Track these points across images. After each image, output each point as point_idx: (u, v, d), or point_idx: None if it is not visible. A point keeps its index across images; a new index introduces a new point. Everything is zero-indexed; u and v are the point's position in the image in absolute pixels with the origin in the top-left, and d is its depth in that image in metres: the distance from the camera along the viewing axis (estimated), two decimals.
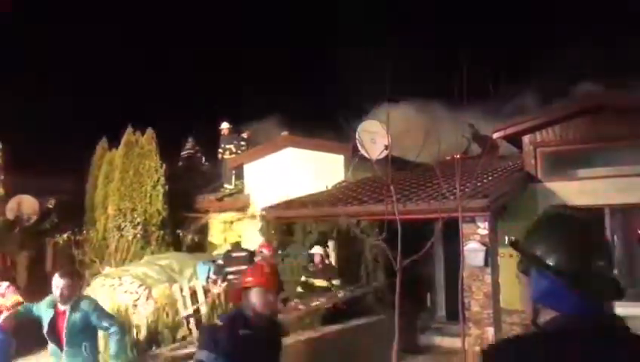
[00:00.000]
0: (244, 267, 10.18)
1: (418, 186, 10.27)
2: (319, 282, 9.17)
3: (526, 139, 10.22)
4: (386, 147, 10.69)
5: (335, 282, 9.23)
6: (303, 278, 9.56)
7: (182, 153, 16.43)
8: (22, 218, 12.69)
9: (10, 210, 12.19)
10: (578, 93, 10.44)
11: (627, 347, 1.30)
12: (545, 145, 10.11)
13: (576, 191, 9.67)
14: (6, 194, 10.16)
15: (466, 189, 8.56)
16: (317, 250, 9.46)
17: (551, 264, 1.39)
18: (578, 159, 10.06)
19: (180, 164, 16.26)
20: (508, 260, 9.61)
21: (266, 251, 9.25)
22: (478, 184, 9.32)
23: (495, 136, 10.42)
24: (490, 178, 10.12)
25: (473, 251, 8.33)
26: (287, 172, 12.66)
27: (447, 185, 8.59)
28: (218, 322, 3.28)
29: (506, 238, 9.87)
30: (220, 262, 10.29)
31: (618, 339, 1.31)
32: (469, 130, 14.17)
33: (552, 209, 1.53)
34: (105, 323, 4.66)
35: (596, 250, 1.39)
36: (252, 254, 10.29)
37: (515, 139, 10.67)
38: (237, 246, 10.42)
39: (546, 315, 1.40)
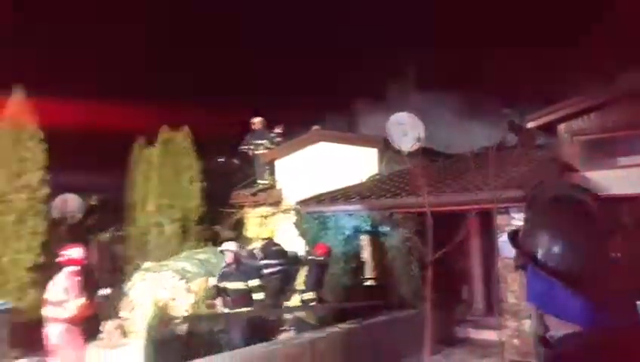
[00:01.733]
0: (279, 262, 10.34)
1: (453, 178, 10.20)
2: (233, 285, 7.97)
3: (561, 127, 10.01)
4: (419, 139, 10.67)
5: (252, 283, 8.01)
6: (213, 282, 8.60)
7: (240, 147, 16.33)
8: (67, 216, 13.17)
9: (56, 208, 12.66)
10: (617, 78, 10.13)
11: None
12: (581, 133, 9.88)
13: (616, 179, 9.41)
14: (51, 193, 10.59)
15: (501, 180, 8.48)
16: (228, 246, 8.33)
17: (544, 260, 1.14)
18: (617, 146, 9.79)
19: (236, 160, 16.43)
20: None
21: (319, 253, 8.71)
22: (513, 175, 9.21)
23: (529, 125, 10.25)
24: (525, 168, 9.96)
25: (508, 242, 8.23)
26: (320, 166, 12.75)
27: (481, 176, 8.53)
28: None
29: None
30: (259, 252, 10.45)
31: None
32: (505, 120, 13.96)
33: (558, 190, 1.25)
34: None
35: (601, 243, 1.11)
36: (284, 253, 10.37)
37: (550, 128, 10.46)
38: (270, 241, 10.57)
39: (554, 328, 1.14)
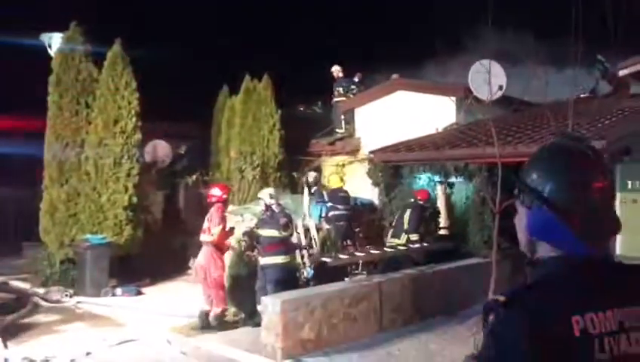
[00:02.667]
0: (345, 208, 10.78)
1: (533, 128, 9.88)
2: (266, 232, 7.85)
3: None
4: (500, 87, 10.33)
5: (286, 233, 7.85)
6: (247, 228, 8.73)
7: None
8: (157, 161, 14.13)
9: (147, 153, 13.60)
10: None
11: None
12: None
13: None
14: (142, 139, 11.38)
15: (583, 131, 8.12)
16: (261, 194, 8.36)
17: (545, 195, 1.31)
18: None
19: (316, 108, 16.75)
20: (630, 206, 9.04)
21: (420, 198, 9.82)
22: (599, 125, 8.77)
23: (621, 72, 9.63)
24: (613, 118, 9.44)
25: None
26: (398, 115, 12.71)
27: (562, 126, 8.19)
28: None
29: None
30: (327, 198, 10.91)
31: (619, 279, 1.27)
32: (597, 67, 13.12)
33: (557, 139, 1.42)
34: None
35: (594, 182, 1.29)
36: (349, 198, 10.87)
37: None
38: (339, 188, 11.06)
39: (544, 252, 1.34)
